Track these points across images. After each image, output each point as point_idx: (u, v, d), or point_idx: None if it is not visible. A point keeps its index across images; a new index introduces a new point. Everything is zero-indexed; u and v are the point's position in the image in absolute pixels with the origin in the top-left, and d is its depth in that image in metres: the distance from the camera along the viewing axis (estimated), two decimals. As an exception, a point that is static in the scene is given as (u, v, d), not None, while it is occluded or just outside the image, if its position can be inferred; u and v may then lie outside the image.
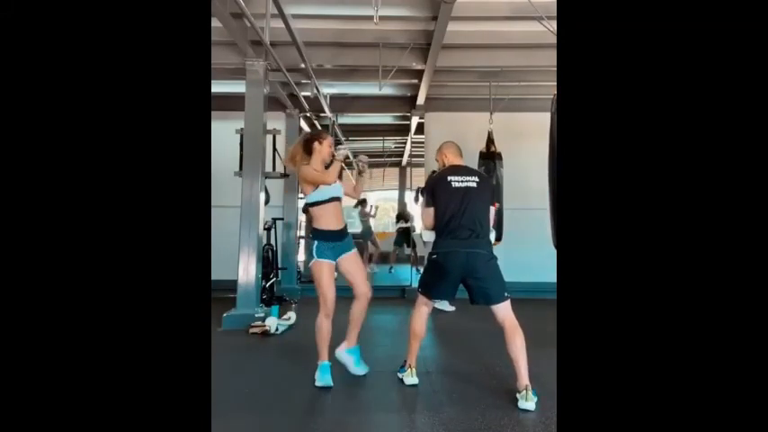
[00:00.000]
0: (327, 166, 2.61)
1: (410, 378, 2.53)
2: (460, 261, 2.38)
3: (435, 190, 2.52)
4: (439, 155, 2.71)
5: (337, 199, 2.61)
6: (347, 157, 2.73)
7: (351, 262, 2.61)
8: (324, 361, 2.53)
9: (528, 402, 2.21)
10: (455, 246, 2.40)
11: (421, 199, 2.90)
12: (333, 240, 2.56)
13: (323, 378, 2.49)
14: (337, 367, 2.63)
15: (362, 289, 2.59)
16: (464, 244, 2.39)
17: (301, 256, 6.47)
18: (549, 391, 2.36)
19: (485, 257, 2.41)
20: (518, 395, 2.25)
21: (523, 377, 2.27)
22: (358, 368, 2.64)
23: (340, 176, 2.69)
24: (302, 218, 6.66)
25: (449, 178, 2.50)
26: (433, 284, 2.51)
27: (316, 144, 2.62)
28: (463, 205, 2.42)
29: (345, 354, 2.62)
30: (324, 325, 2.53)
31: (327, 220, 2.56)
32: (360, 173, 2.79)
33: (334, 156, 2.59)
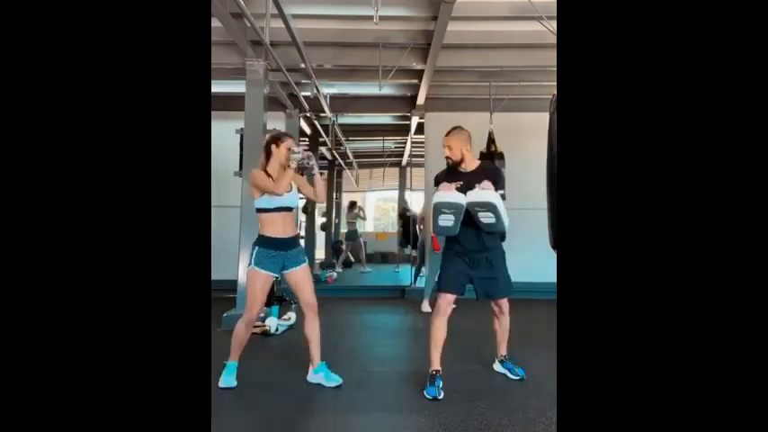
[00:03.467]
0: (300, 170, 2.53)
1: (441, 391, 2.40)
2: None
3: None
4: (463, 146, 2.56)
5: (287, 209, 2.51)
6: (304, 165, 2.53)
7: (300, 275, 2.52)
8: (233, 361, 2.50)
9: (500, 367, 2.74)
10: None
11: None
12: (275, 249, 2.45)
13: (226, 379, 2.44)
14: (339, 366, 2.63)
15: (309, 300, 2.52)
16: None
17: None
18: (549, 392, 2.37)
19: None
20: (496, 360, 2.77)
21: (503, 349, 2.75)
22: (332, 381, 2.52)
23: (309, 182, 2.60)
24: (302, 218, 6.67)
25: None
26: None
27: (273, 147, 2.50)
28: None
29: (313, 374, 2.56)
30: (242, 331, 2.49)
31: (272, 227, 2.47)
32: (303, 172, 2.62)
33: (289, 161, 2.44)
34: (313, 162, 2.55)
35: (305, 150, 2.50)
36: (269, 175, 2.46)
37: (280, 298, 4.83)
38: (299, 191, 2.60)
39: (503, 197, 2.44)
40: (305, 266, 2.56)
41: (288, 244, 2.50)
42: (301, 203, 5.53)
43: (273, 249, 2.45)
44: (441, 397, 2.34)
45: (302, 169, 2.59)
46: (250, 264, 2.46)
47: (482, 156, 4.65)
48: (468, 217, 2.40)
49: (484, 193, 2.35)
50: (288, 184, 2.44)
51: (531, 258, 4.83)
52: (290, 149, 2.46)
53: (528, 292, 4.77)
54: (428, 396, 2.35)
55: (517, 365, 2.71)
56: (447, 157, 2.57)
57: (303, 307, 2.55)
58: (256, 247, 2.47)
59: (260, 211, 2.50)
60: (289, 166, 2.42)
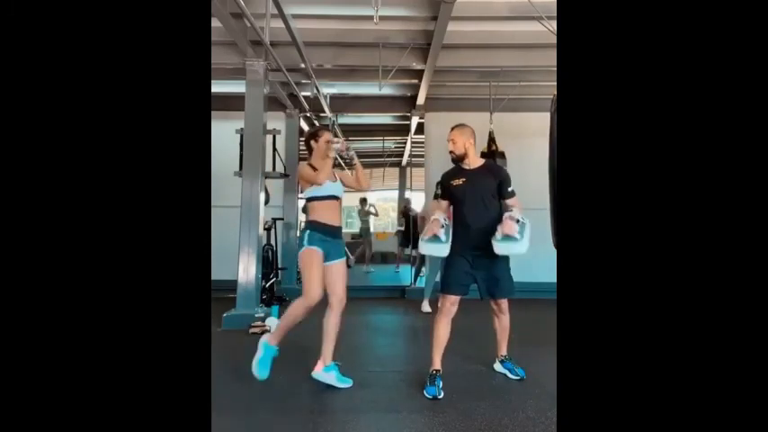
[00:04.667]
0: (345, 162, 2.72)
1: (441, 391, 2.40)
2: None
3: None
4: (466, 141, 2.59)
5: (336, 198, 2.58)
6: (343, 153, 2.68)
7: (337, 269, 2.55)
8: (273, 344, 2.46)
9: (500, 367, 2.75)
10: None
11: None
12: (325, 234, 2.50)
13: (261, 369, 2.42)
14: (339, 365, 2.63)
15: (341, 295, 2.53)
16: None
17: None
18: (549, 392, 2.37)
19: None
20: (497, 360, 2.78)
21: (503, 348, 2.76)
22: (343, 383, 2.53)
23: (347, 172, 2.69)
24: (302, 218, 6.67)
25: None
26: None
27: (312, 142, 2.65)
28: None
29: (324, 373, 2.52)
30: (299, 312, 2.43)
31: (323, 214, 2.53)
32: (350, 164, 2.80)
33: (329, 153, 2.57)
34: (352, 152, 2.69)
35: (343, 142, 2.64)
36: (314, 168, 2.54)
37: (280, 298, 4.84)
38: (343, 183, 2.67)
39: (513, 193, 2.53)
40: (344, 261, 2.62)
41: (336, 232, 2.57)
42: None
43: (323, 234, 2.51)
44: (441, 396, 2.35)
45: (343, 159, 2.80)
46: (302, 246, 2.49)
47: (483, 155, 4.65)
48: (471, 216, 2.48)
49: (508, 245, 2.38)
50: (329, 174, 2.53)
51: (533, 258, 4.82)
52: (328, 142, 2.58)
53: (529, 292, 4.77)
54: (428, 395, 2.36)
55: (517, 365, 2.72)
56: (450, 152, 2.61)
57: (331, 301, 2.53)
58: (308, 231, 2.51)
59: (311, 199, 2.56)
60: (328, 156, 2.53)
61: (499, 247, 2.38)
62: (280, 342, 2.48)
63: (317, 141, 2.63)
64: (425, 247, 2.52)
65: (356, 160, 2.71)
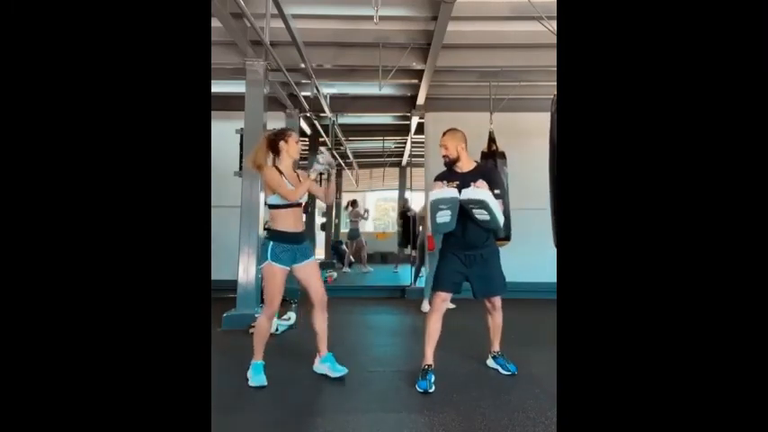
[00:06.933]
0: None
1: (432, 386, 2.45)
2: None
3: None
4: (458, 145, 2.62)
5: (297, 204, 2.59)
6: (323, 173, 2.69)
7: (308, 270, 2.61)
8: (258, 360, 2.56)
9: (492, 363, 2.79)
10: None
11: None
12: (288, 242, 2.53)
13: (255, 378, 2.51)
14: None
15: (319, 295, 2.62)
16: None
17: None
18: (549, 392, 2.37)
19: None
20: (489, 356, 2.82)
21: (496, 345, 2.81)
22: (337, 372, 2.62)
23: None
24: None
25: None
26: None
27: (282, 143, 2.59)
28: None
29: (320, 364, 2.68)
30: (264, 326, 2.57)
31: (286, 222, 2.54)
32: (328, 178, 2.73)
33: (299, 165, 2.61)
34: (333, 170, 2.68)
35: (328, 157, 2.61)
36: (280, 172, 2.54)
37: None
38: (309, 190, 2.66)
39: (498, 196, 2.52)
40: (314, 261, 2.67)
41: (299, 237, 2.59)
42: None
43: (287, 243, 2.53)
44: (431, 390, 2.40)
45: (321, 175, 2.72)
46: (266, 259, 2.51)
47: (483, 155, 4.65)
48: (464, 216, 2.46)
49: (477, 191, 2.42)
50: (304, 192, 2.56)
51: (532, 258, 4.83)
52: (298, 142, 2.59)
53: (529, 292, 4.77)
54: (419, 389, 2.41)
55: (509, 361, 2.76)
56: (444, 156, 2.66)
57: (313, 300, 2.64)
58: (271, 242, 2.53)
59: (273, 207, 2.57)
60: (308, 177, 2.57)
61: (467, 192, 2.42)
62: (263, 356, 2.58)
63: (286, 142, 2.59)
64: (441, 193, 2.47)
65: (333, 177, 2.73)
